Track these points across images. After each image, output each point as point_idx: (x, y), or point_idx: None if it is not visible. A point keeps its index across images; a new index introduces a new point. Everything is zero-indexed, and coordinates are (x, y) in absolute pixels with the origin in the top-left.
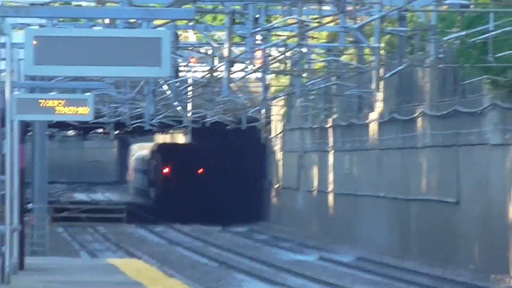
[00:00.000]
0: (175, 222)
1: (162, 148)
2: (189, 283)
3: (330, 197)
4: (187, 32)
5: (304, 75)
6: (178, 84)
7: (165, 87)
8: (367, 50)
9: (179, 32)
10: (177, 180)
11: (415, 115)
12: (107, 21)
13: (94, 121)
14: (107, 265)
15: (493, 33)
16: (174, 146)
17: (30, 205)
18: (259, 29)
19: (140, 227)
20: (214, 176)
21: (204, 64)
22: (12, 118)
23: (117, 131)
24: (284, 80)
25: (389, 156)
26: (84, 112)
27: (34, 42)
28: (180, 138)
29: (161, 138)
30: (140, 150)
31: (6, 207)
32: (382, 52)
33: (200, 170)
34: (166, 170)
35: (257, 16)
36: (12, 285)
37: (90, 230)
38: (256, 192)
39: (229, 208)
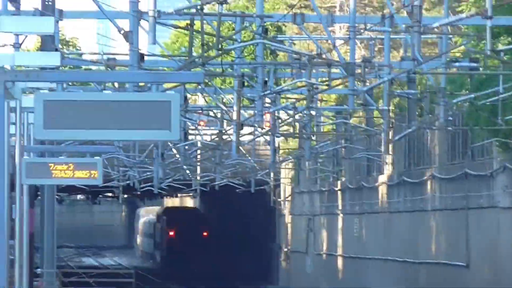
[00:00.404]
0: (183, 286)
1: (168, 212)
2: None
3: (339, 260)
4: (196, 95)
5: (313, 138)
6: (187, 147)
7: (174, 150)
8: (376, 113)
9: (188, 95)
10: (182, 243)
11: (424, 177)
12: (116, 84)
13: (103, 184)
14: None
15: (503, 95)
16: (179, 209)
17: (39, 270)
18: (268, 92)
19: None
20: (222, 239)
21: (213, 127)
22: (21, 182)
23: (126, 195)
24: (293, 143)
25: (398, 219)
26: (93, 176)
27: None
28: (189, 202)
29: (170, 201)
30: (147, 214)
31: (16, 272)
32: (391, 114)
33: (205, 233)
34: (171, 233)
35: (266, 79)
36: None
37: None
38: (265, 255)
39: (238, 271)
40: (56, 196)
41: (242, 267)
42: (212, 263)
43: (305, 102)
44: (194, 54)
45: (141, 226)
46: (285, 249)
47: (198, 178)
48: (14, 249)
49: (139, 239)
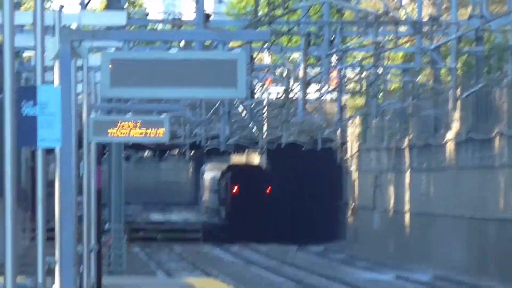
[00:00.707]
0: (250, 242)
1: (231, 169)
2: None
3: (407, 217)
4: (263, 53)
5: (380, 95)
6: (253, 105)
7: (240, 108)
8: (443, 71)
9: (254, 54)
10: (245, 199)
11: (492, 134)
12: (182, 43)
13: (169, 142)
14: (183, 284)
15: None
16: (243, 166)
17: (107, 226)
18: (334, 50)
19: (216, 246)
20: (287, 197)
21: (280, 85)
22: (89, 140)
23: (193, 152)
24: (360, 101)
25: (466, 175)
26: (159, 134)
27: (110, 66)
28: (255, 160)
29: (236, 159)
30: (212, 170)
31: (84, 227)
32: (458, 72)
33: (268, 190)
34: (235, 189)
35: (332, 37)
36: None
37: (167, 249)
38: (332, 212)
39: (305, 227)
40: (123, 154)
41: (308, 225)
42: (276, 220)
43: (371, 60)
44: (260, 13)
45: (206, 182)
46: (352, 206)
47: (265, 136)
48: (82, 205)
49: (204, 196)
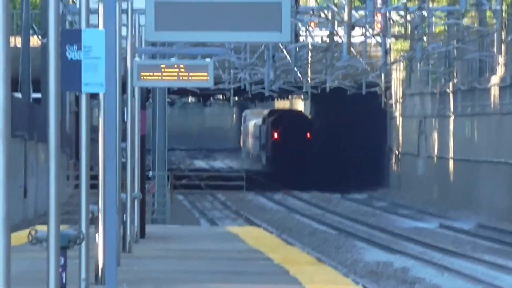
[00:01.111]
0: (294, 189)
1: (272, 114)
2: (308, 250)
3: (451, 163)
4: None
5: (425, 38)
6: (297, 49)
7: (285, 52)
8: (488, 13)
9: None
10: (286, 144)
11: None
12: None
13: (214, 87)
14: (227, 233)
15: None
16: (284, 112)
17: (150, 173)
18: None
19: (259, 194)
20: (331, 142)
21: (324, 29)
22: (133, 85)
23: (237, 97)
24: (405, 44)
25: (511, 120)
26: (204, 79)
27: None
28: (300, 104)
29: (281, 104)
30: (254, 116)
31: (128, 175)
32: (504, 14)
33: (309, 135)
34: (276, 135)
35: None
36: (133, 253)
37: (210, 197)
38: (376, 158)
39: (349, 174)
40: (168, 99)
41: (352, 171)
42: (319, 166)
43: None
44: None
45: (248, 128)
46: (396, 152)
47: (309, 80)
48: (126, 151)
49: (246, 141)
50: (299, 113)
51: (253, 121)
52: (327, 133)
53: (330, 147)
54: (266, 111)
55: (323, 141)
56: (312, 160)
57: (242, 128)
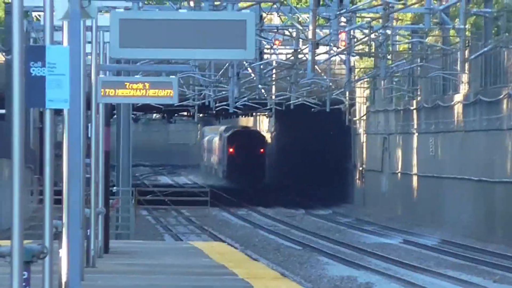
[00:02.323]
0: (258, 205)
1: (228, 131)
2: (273, 266)
3: (415, 179)
4: (272, 14)
5: (389, 56)
6: (262, 66)
7: (249, 69)
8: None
9: (264, 14)
10: (240, 159)
11: (500, 96)
12: (192, 3)
13: (178, 104)
14: (192, 248)
15: None
16: (239, 129)
17: (115, 188)
18: (344, 11)
19: (224, 210)
20: (295, 158)
21: (289, 47)
22: (97, 101)
23: (201, 114)
24: (369, 62)
25: (474, 138)
26: (169, 95)
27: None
28: (264, 122)
29: (245, 121)
30: (211, 132)
31: (92, 190)
32: (467, 33)
33: (262, 150)
34: (231, 150)
35: None
36: (97, 268)
37: (174, 213)
38: (340, 175)
39: (313, 190)
40: (132, 115)
41: (317, 186)
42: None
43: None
44: None
45: (205, 144)
46: (360, 168)
47: (273, 97)
48: (91, 167)
49: (204, 156)
50: (253, 130)
51: (210, 137)
52: (292, 149)
53: (295, 164)
54: (222, 128)
55: (287, 158)
56: (264, 173)
57: (200, 143)
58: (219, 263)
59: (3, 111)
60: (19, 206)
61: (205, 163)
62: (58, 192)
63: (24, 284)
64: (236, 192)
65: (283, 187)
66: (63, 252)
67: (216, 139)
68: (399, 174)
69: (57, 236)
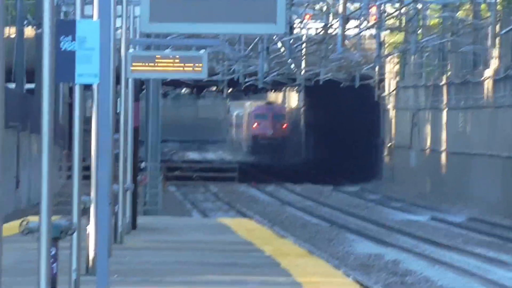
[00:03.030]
0: (286, 181)
1: (253, 106)
2: (300, 243)
3: (443, 156)
4: None
5: (419, 31)
6: (292, 41)
7: (279, 44)
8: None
9: None
10: (264, 134)
11: None
12: None
13: (208, 79)
14: (219, 225)
15: None
16: (263, 105)
17: (143, 164)
18: None
19: (251, 186)
20: (324, 134)
21: (319, 21)
22: (127, 76)
23: (231, 89)
24: (399, 37)
25: (504, 114)
26: (198, 70)
27: None
28: (293, 97)
29: (274, 96)
30: (236, 108)
31: (120, 166)
32: (498, 7)
33: (284, 126)
34: (255, 125)
35: None
36: (125, 244)
37: (202, 189)
38: (369, 151)
39: (341, 167)
40: (161, 90)
41: (345, 164)
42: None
43: None
44: None
45: (232, 119)
46: (389, 144)
47: (303, 72)
48: (119, 142)
49: (230, 131)
50: (276, 105)
51: (236, 112)
52: (320, 125)
53: (323, 139)
54: (247, 103)
55: (316, 134)
56: (287, 148)
57: (227, 118)
58: (246, 239)
59: (32, 85)
60: (47, 182)
61: (232, 138)
62: (87, 168)
63: (51, 260)
64: (264, 167)
65: (311, 163)
66: (90, 228)
67: (241, 114)
68: (428, 150)
69: (85, 212)
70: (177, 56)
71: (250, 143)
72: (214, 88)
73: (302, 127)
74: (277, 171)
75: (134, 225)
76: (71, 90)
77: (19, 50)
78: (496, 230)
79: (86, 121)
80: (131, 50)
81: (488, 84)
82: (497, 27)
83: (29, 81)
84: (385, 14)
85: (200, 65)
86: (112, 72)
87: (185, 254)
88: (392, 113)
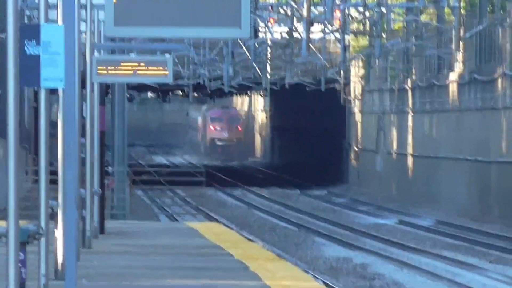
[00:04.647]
0: (252, 185)
1: (209, 110)
2: (268, 247)
3: (410, 159)
4: None
5: (384, 35)
6: (257, 45)
7: (244, 48)
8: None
9: None
10: (218, 136)
11: (495, 75)
12: None
13: (173, 83)
14: (187, 229)
15: None
16: (219, 108)
17: (110, 169)
18: None
19: (219, 190)
20: (290, 137)
21: (283, 25)
22: (92, 80)
23: (196, 93)
24: (363, 41)
25: (469, 117)
26: (163, 74)
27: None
28: (259, 100)
29: (240, 100)
30: (194, 111)
31: (87, 170)
32: (462, 11)
33: (240, 129)
34: (211, 128)
35: None
36: (93, 248)
37: (170, 193)
38: (335, 155)
39: (308, 170)
40: (126, 95)
41: (312, 166)
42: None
43: None
44: None
45: (190, 121)
46: (355, 148)
47: (268, 76)
48: (85, 147)
49: (189, 133)
50: (231, 109)
51: (194, 116)
52: (286, 129)
53: (290, 143)
54: (204, 107)
55: (282, 137)
56: (241, 148)
57: (186, 122)
58: (214, 243)
59: None
60: (14, 186)
61: (190, 140)
62: (54, 172)
63: (20, 264)
64: (229, 171)
65: (277, 167)
66: (58, 233)
67: (199, 118)
68: (394, 154)
69: (52, 216)
70: (142, 61)
71: (207, 145)
72: (180, 92)
73: (268, 131)
74: (243, 174)
75: (102, 230)
76: (36, 94)
77: None
78: (463, 233)
79: (52, 125)
80: (96, 54)
81: (453, 88)
82: (461, 30)
83: None
84: (349, 18)
85: (166, 69)
86: (77, 76)
87: (154, 258)
88: (358, 117)
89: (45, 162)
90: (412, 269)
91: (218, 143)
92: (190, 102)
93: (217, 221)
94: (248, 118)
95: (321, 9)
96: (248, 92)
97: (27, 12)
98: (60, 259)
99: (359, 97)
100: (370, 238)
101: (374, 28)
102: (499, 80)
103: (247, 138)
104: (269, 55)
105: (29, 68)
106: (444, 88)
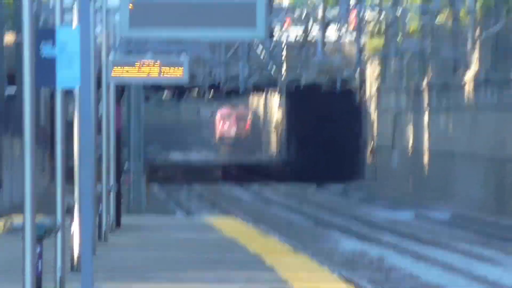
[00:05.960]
0: (270, 180)
1: (219, 109)
2: (285, 241)
3: (425, 156)
4: None
5: (399, 36)
6: (272, 46)
7: (259, 49)
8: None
9: None
10: (227, 134)
11: (510, 75)
12: None
13: (189, 83)
14: (203, 223)
15: None
16: (227, 108)
17: (126, 165)
18: None
19: (235, 185)
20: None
21: (299, 27)
22: (107, 81)
23: (212, 93)
24: (379, 42)
25: (485, 116)
26: (179, 75)
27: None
28: (274, 101)
29: (255, 100)
30: (205, 110)
31: (103, 167)
32: (477, 13)
33: (247, 126)
34: (221, 126)
35: None
36: (109, 242)
37: (186, 189)
38: (352, 152)
39: (325, 167)
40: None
41: (328, 164)
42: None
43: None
44: None
45: (202, 120)
46: (372, 145)
47: (284, 77)
48: (101, 144)
49: (202, 131)
50: (241, 107)
51: (205, 114)
52: (302, 129)
53: (306, 143)
54: (214, 106)
55: (298, 137)
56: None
57: (197, 120)
58: (231, 237)
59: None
60: (30, 182)
61: (202, 139)
62: (70, 169)
63: (36, 258)
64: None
65: (294, 164)
66: (75, 227)
67: (210, 117)
68: (410, 150)
69: (69, 212)
70: (158, 61)
71: (217, 142)
72: (195, 92)
73: (284, 131)
74: (259, 170)
75: (118, 225)
76: (52, 94)
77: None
78: (479, 227)
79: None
80: (111, 56)
81: (468, 87)
82: (477, 31)
83: (10, 83)
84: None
85: (181, 70)
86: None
87: (170, 252)
88: (374, 115)
89: (62, 161)
90: (428, 262)
91: (226, 139)
92: (205, 102)
93: (233, 215)
94: (265, 116)
95: (336, 10)
96: (264, 92)
97: (43, 15)
98: (76, 253)
99: (375, 96)
100: (387, 232)
101: (389, 29)
102: None
103: (256, 135)
104: (284, 56)
105: (45, 69)
106: (459, 88)
